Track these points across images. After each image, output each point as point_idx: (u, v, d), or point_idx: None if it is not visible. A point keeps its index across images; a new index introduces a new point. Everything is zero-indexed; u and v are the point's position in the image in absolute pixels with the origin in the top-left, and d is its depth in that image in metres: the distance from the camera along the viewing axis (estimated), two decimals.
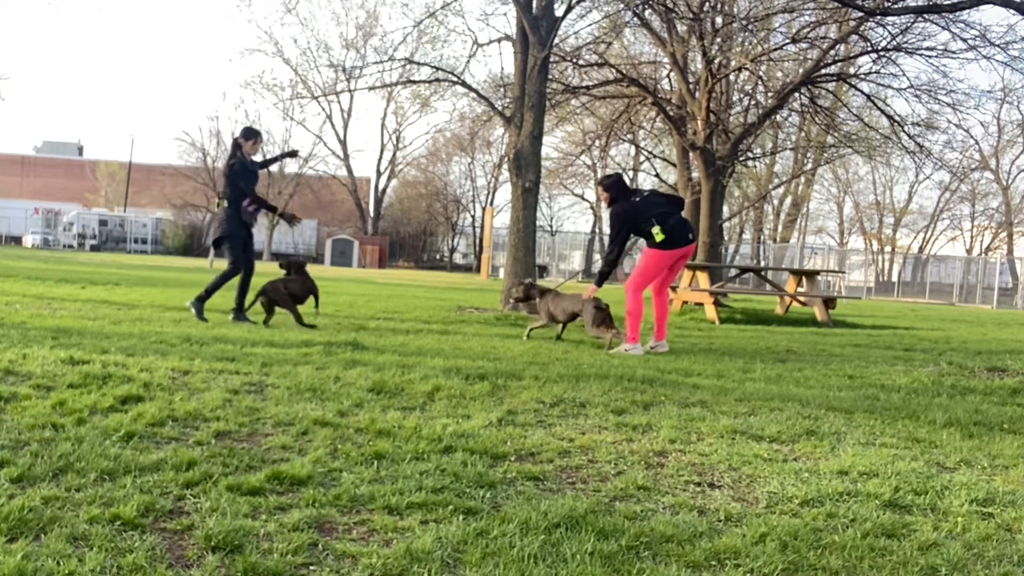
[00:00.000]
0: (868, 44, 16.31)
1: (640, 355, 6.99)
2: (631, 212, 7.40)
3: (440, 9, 13.49)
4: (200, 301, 7.98)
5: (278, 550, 2.22)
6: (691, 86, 17.90)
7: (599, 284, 7.64)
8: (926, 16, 13.80)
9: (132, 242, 57.82)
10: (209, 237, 8.48)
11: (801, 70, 17.62)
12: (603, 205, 8.25)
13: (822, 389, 5.33)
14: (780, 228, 44.50)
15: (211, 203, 59.00)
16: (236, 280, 8.02)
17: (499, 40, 13.13)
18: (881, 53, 16.14)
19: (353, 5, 70.19)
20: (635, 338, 7.25)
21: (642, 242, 7.62)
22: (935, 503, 2.90)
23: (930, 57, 15.58)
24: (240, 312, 8.04)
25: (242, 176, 8.10)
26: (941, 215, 48.50)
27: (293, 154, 9.81)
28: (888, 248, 48.99)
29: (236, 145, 8.24)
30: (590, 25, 17.62)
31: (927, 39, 15.40)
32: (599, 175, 44.99)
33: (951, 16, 13.39)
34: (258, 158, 8.53)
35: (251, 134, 8.27)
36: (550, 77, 13.42)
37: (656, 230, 7.28)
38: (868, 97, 18.34)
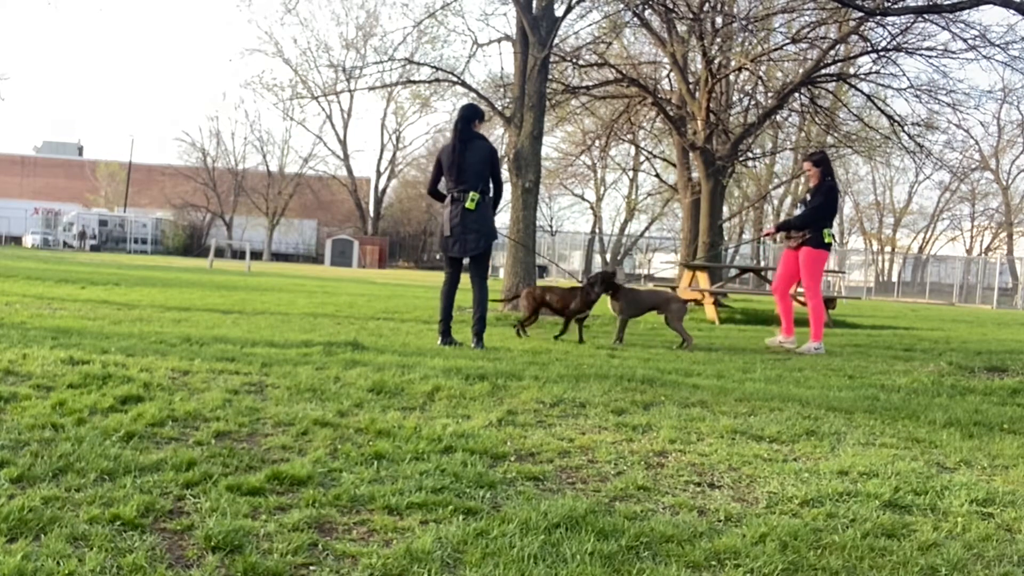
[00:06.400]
0: (868, 44, 16.32)
1: (816, 352, 7.51)
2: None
3: (440, 9, 13.51)
4: (478, 336, 6.79)
5: (278, 550, 2.22)
6: (691, 86, 17.90)
7: (779, 229, 8.08)
8: (926, 16, 13.80)
9: (132, 242, 57.86)
10: (460, 244, 6.73)
11: (801, 70, 17.63)
12: (810, 183, 7.94)
13: (822, 389, 5.33)
14: None
15: (210, 203, 59.08)
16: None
17: (499, 40, 13.15)
18: (881, 53, 16.15)
19: (353, 5, 70.37)
20: (819, 336, 7.76)
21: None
22: (935, 503, 2.90)
23: (930, 57, 15.61)
24: (448, 335, 6.93)
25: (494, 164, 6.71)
26: (941, 215, 48.60)
27: None
28: (888, 248, 49.04)
29: (469, 128, 6.65)
30: (590, 25, 17.62)
31: (927, 39, 15.44)
32: (600, 175, 45.02)
33: (951, 16, 13.39)
34: None
35: (480, 112, 6.88)
36: (550, 77, 13.42)
37: (830, 231, 7.76)
38: (868, 97, 18.34)
